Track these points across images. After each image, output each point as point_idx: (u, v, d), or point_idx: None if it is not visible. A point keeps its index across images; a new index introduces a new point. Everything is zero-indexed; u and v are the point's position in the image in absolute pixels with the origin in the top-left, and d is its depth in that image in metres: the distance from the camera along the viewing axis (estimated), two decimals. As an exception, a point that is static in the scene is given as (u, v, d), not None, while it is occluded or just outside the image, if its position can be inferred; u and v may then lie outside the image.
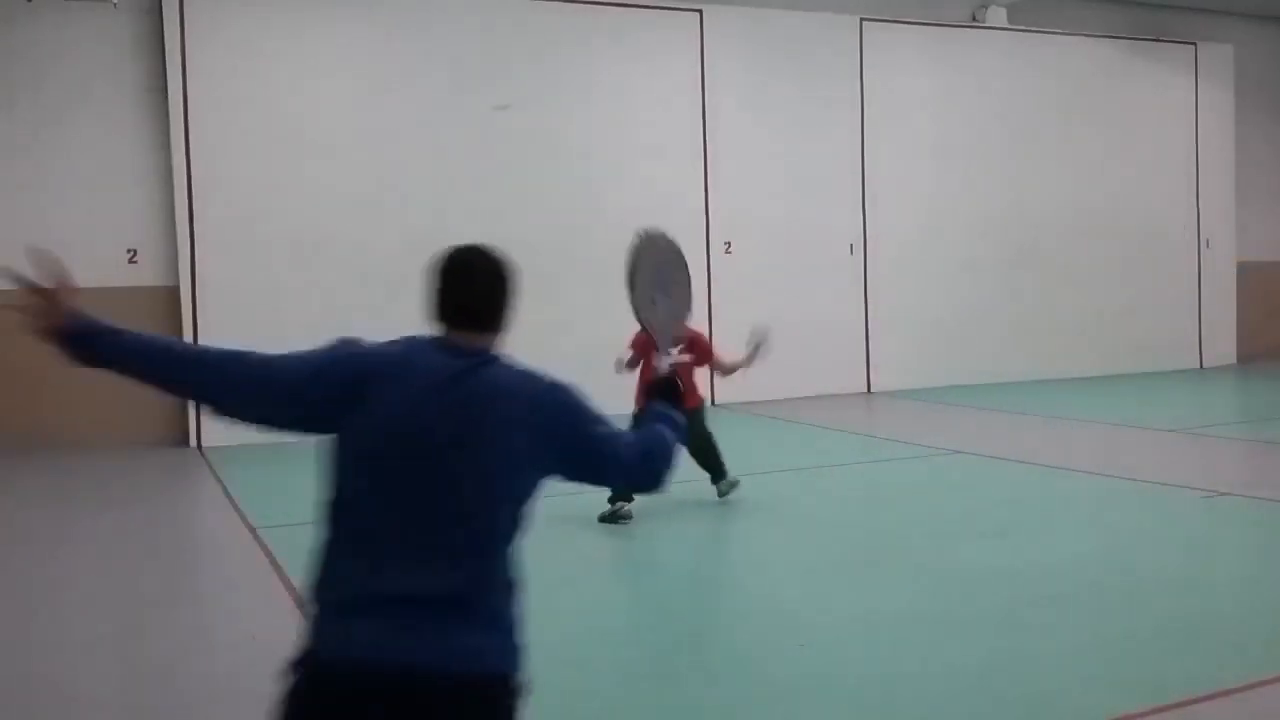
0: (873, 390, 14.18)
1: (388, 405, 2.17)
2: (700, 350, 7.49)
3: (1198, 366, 16.35)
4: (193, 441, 11.12)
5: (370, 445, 2.15)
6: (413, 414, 2.15)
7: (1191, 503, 7.43)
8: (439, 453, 2.12)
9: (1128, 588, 5.49)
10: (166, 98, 11.12)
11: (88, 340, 2.20)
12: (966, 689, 4.18)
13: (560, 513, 7.66)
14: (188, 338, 11.18)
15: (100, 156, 11.10)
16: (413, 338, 2.39)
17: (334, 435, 2.21)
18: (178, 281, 11.22)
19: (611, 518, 6.99)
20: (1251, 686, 4.07)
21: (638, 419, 3.38)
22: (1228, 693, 4.01)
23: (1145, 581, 5.58)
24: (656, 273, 2.98)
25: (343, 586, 2.10)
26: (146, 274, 11.28)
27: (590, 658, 4.67)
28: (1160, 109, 16.12)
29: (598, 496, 7.69)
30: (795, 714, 4.02)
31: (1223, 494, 7.59)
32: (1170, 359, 16.05)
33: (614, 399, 13.58)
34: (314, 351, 2.35)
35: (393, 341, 2.40)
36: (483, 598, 2.12)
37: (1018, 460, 9.05)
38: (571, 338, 12.62)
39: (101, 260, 11.13)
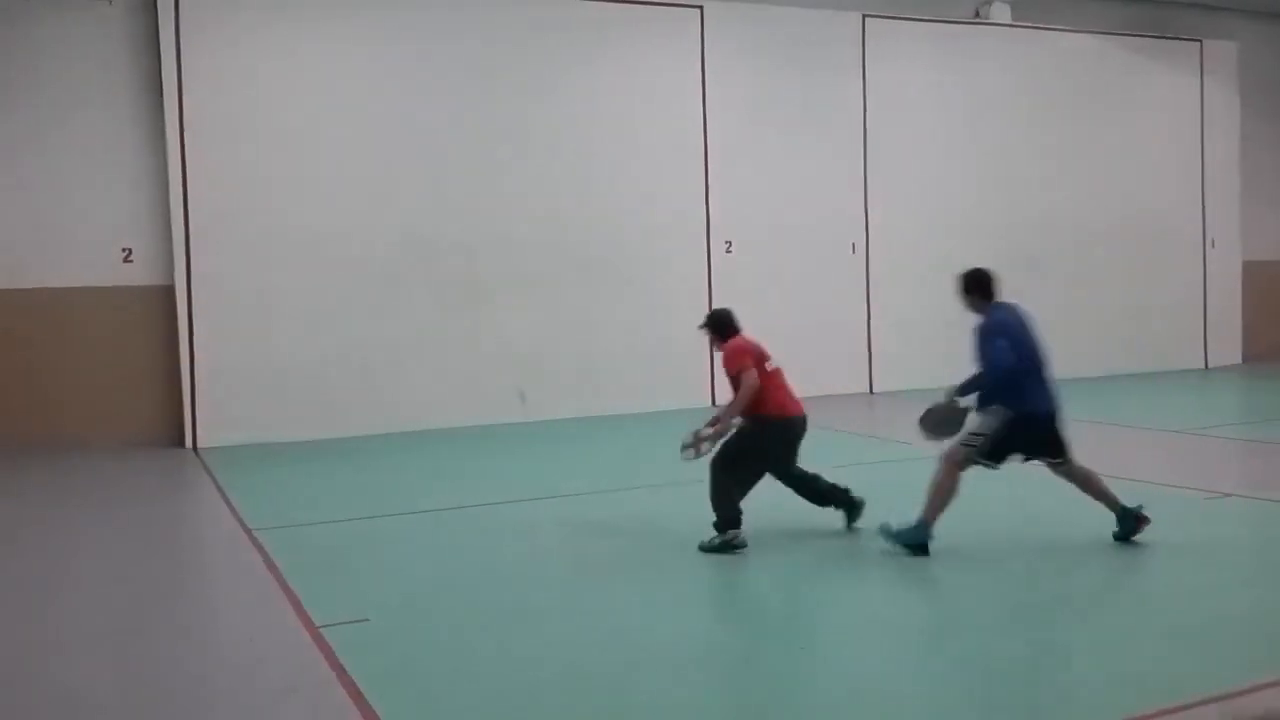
0: (874, 390, 14.13)
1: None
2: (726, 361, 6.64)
3: (1203, 367, 16.29)
4: (189, 442, 11.07)
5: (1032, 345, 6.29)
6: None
7: (1195, 504, 7.37)
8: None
9: (1130, 589, 5.44)
10: (162, 96, 11.07)
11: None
12: (968, 690, 4.14)
13: (563, 516, 7.61)
14: (183, 336, 11.15)
15: (95, 155, 11.06)
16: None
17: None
18: (173, 280, 11.17)
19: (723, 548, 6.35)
20: (1255, 688, 4.02)
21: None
22: (1230, 694, 3.96)
23: (1148, 582, 5.53)
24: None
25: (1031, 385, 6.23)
26: (142, 273, 11.23)
27: (589, 657, 4.62)
28: (1164, 106, 16.06)
29: (604, 505, 7.63)
30: (796, 714, 3.96)
31: (1227, 495, 7.53)
32: (1175, 359, 15.99)
33: (629, 397, 13.11)
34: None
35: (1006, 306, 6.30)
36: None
37: (1017, 460, 8.97)
38: (571, 336, 12.58)
39: (96, 259, 11.10)
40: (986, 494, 8.04)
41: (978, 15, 15.14)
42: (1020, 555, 6.12)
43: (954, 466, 6.06)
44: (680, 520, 7.16)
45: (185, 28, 11.08)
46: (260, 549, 6.67)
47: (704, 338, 6.91)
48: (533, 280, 12.42)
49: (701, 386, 13.19)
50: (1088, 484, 6.26)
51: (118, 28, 11.12)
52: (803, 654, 4.71)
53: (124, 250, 11.18)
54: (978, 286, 6.22)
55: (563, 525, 7.20)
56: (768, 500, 6.62)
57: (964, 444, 6.06)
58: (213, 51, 11.21)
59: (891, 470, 9.06)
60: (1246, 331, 16.71)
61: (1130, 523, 6.11)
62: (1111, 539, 6.17)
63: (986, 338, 6.06)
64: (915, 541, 6.02)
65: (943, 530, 6.28)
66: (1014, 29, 15.07)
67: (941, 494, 6.03)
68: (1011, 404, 6.05)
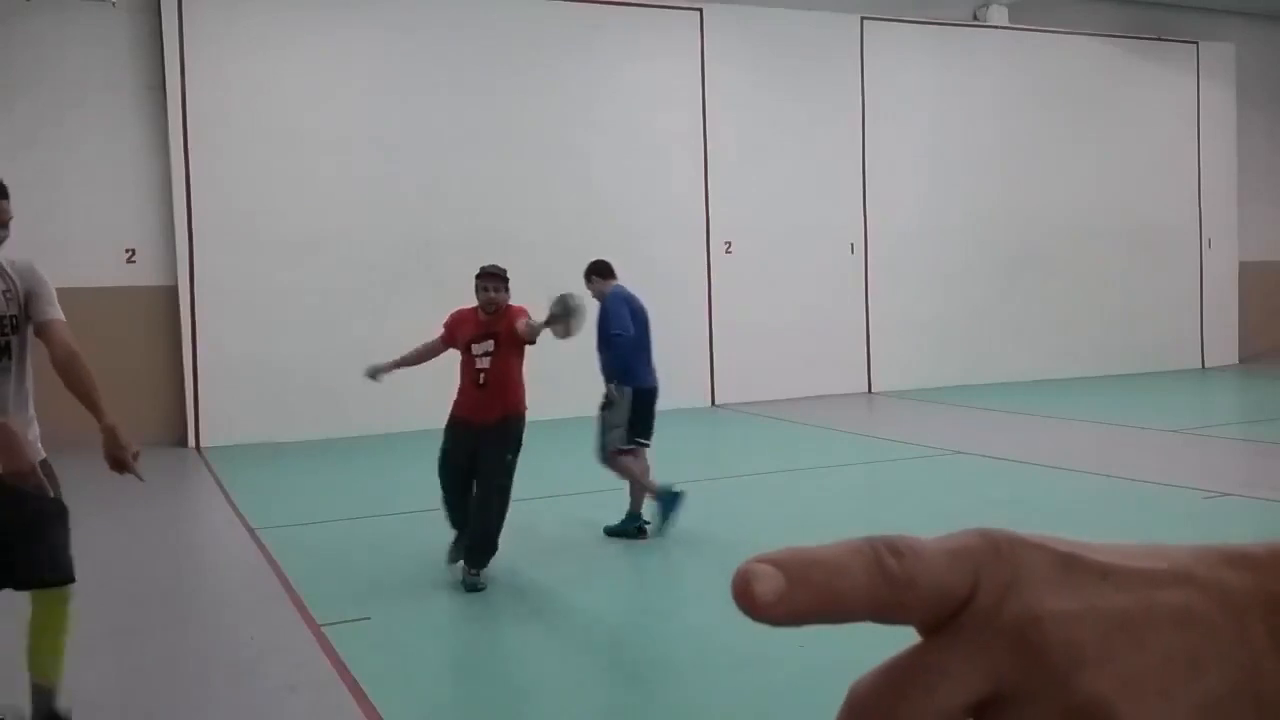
0: (873, 390, 14.16)
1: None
2: (507, 328, 5.79)
3: (1199, 367, 16.33)
4: (191, 442, 11.10)
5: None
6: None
7: (1192, 503, 7.41)
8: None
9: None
10: (165, 96, 11.11)
11: None
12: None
13: (562, 515, 7.64)
14: (186, 337, 11.18)
15: (99, 156, 11.08)
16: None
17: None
18: (176, 281, 11.21)
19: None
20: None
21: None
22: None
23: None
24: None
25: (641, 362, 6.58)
26: (145, 273, 11.27)
27: (590, 656, 4.65)
28: (1162, 108, 16.10)
29: (603, 504, 7.66)
30: (795, 714, 3.99)
31: (1224, 494, 7.57)
32: (1172, 359, 16.03)
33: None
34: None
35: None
36: None
37: (1018, 460, 9.03)
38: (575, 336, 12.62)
39: (100, 259, 11.12)
40: (979, 494, 8.09)
41: (975, 18, 15.18)
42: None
43: (616, 457, 6.56)
44: (683, 519, 7.20)
45: (188, 28, 11.12)
46: (262, 548, 6.70)
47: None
48: (532, 280, 12.42)
49: (702, 386, 13.23)
50: (641, 473, 6.64)
51: (121, 28, 11.15)
52: (801, 652, 4.74)
53: (127, 251, 11.22)
54: (597, 271, 6.86)
55: (563, 524, 7.23)
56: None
57: (610, 440, 6.55)
58: (216, 52, 11.24)
59: (890, 470, 9.10)
60: (1243, 331, 16.75)
61: (631, 526, 6.60)
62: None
63: (613, 311, 6.63)
64: (633, 526, 6.60)
65: (932, 531, 6.29)
66: (1011, 31, 15.11)
67: (634, 478, 6.57)
68: (627, 380, 6.57)
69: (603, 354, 6.67)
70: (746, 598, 0.35)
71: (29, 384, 3.74)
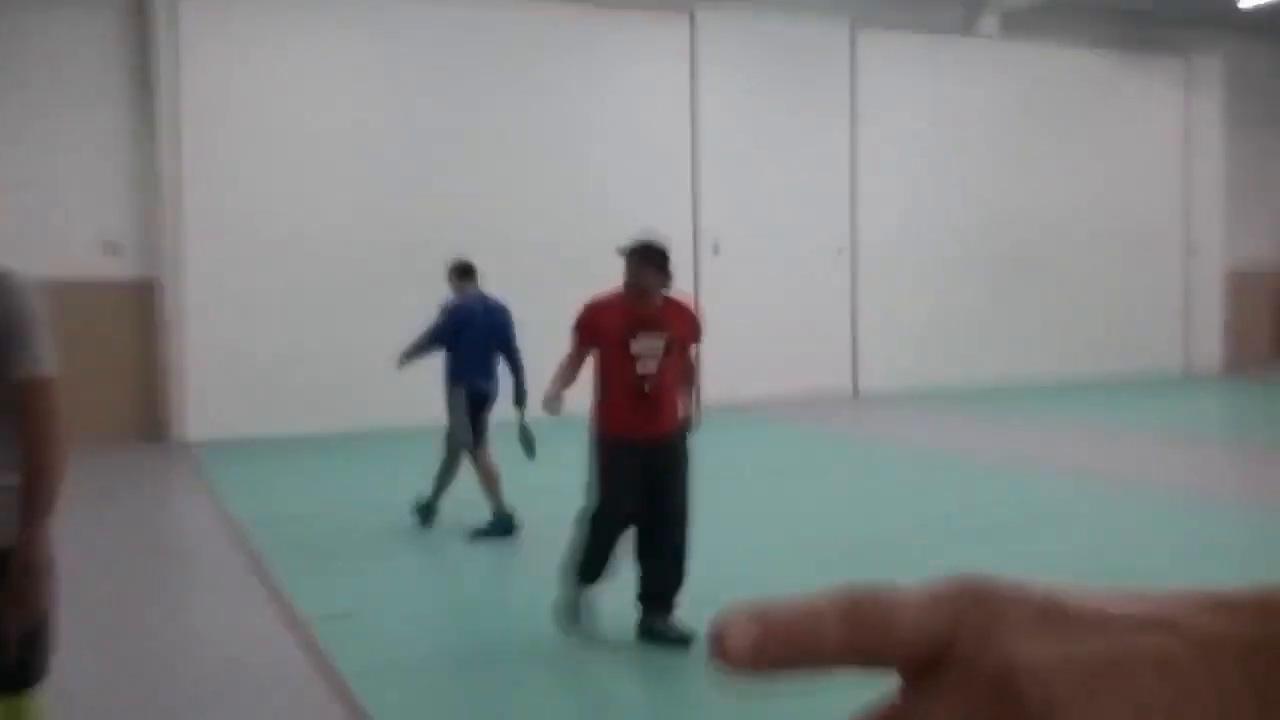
0: (860, 392, 14.19)
1: None
2: (682, 333, 4.81)
3: (1184, 373, 16.42)
4: (175, 437, 11.06)
5: None
6: None
7: (1177, 506, 7.45)
8: None
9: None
10: (152, 93, 11.07)
11: None
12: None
13: (553, 513, 7.64)
14: (170, 331, 11.16)
15: (85, 150, 11.05)
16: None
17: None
18: (160, 275, 11.17)
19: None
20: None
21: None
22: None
23: (1132, 584, 5.58)
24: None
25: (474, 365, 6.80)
26: (131, 267, 11.23)
27: (589, 654, 4.64)
28: (1150, 120, 16.18)
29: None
30: (790, 714, 4.00)
31: (1209, 497, 7.61)
32: (1157, 365, 16.12)
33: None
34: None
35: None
36: None
37: (1003, 463, 9.06)
38: (563, 335, 12.60)
39: (83, 253, 11.08)
40: (965, 496, 8.11)
41: (967, 27, 15.22)
42: (1018, 564, 6.17)
43: (481, 455, 6.78)
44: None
45: (180, 26, 11.09)
46: (245, 543, 6.68)
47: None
48: (526, 280, 12.41)
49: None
50: (488, 478, 6.77)
51: (110, 25, 11.10)
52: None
53: (113, 245, 11.17)
54: (457, 272, 7.13)
55: (554, 522, 7.22)
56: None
57: (457, 438, 6.80)
58: (206, 50, 11.20)
59: (875, 471, 9.12)
60: (1227, 339, 16.86)
61: (503, 525, 6.70)
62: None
63: (434, 320, 7.00)
64: (505, 529, 6.68)
65: (919, 532, 6.28)
66: (1002, 42, 15.14)
67: (490, 481, 6.75)
68: (458, 381, 6.82)
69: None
70: (721, 652, 0.35)
71: (3, 446, 2.47)
